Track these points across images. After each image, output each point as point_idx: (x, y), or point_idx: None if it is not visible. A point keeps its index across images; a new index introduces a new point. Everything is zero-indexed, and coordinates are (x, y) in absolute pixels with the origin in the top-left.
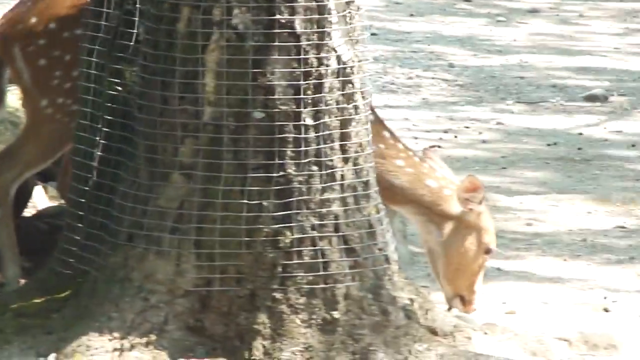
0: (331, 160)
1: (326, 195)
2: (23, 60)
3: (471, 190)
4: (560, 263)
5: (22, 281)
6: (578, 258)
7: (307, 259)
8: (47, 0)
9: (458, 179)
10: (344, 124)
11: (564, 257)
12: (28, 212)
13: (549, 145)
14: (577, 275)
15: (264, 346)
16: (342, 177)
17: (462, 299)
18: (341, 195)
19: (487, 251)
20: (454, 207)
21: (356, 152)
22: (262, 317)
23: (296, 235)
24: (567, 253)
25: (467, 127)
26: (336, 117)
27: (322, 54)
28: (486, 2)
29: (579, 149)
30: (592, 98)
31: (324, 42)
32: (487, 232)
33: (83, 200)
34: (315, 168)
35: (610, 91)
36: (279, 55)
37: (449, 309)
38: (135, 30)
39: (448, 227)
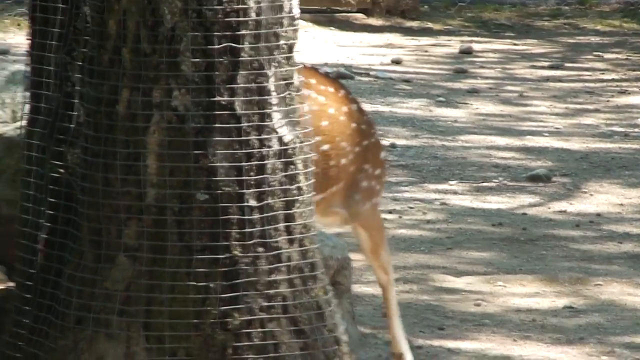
0: (276, 242)
1: (273, 277)
2: None
3: None
4: (511, 343)
5: None
6: (528, 338)
7: (256, 341)
8: None
9: None
10: (288, 205)
11: (514, 337)
12: None
13: (494, 225)
14: (528, 355)
15: None
16: (289, 259)
17: None
18: (288, 277)
19: None
20: None
21: (301, 233)
22: None
23: (244, 317)
24: (517, 333)
25: (412, 208)
26: (280, 198)
27: (264, 135)
28: (426, 82)
29: (524, 229)
30: (535, 178)
31: (265, 123)
32: None
33: (30, 283)
34: (261, 249)
35: (553, 171)
36: (220, 137)
37: None
38: (75, 113)
39: None
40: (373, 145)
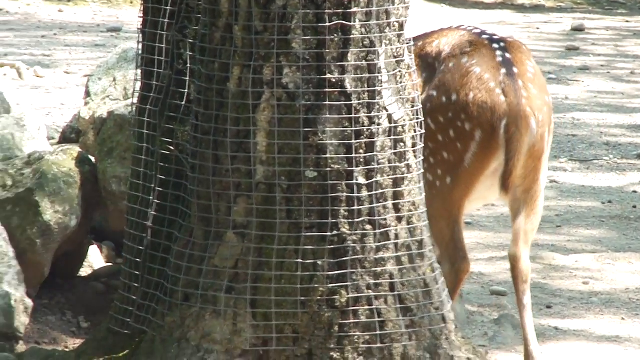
0: (384, 219)
1: (380, 255)
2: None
3: None
4: (618, 322)
5: (80, 341)
6: (636, 317)
7: (363, 319)
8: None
9: None
10: (397, 182)
11: (622, 315)
12: (84, 272)
13: (603, 203)
14: (636, 334)
15: None
16: (396, 236)
17: None
18: (396, 255)
19: None
20: None
21: (409, 210)
22: None
23: (352, 295)
24: (624, 312)
25: None
26: (388, 175)
27: (373, 113)
28: (537, 59)
29: (634, 207)
30: None
31: (375, 101)
32: None
33: (139, 259)
34: (369, 227)
35: None
36: (330, 114)
37: None
38: (186, 90)
39: None
40: None
